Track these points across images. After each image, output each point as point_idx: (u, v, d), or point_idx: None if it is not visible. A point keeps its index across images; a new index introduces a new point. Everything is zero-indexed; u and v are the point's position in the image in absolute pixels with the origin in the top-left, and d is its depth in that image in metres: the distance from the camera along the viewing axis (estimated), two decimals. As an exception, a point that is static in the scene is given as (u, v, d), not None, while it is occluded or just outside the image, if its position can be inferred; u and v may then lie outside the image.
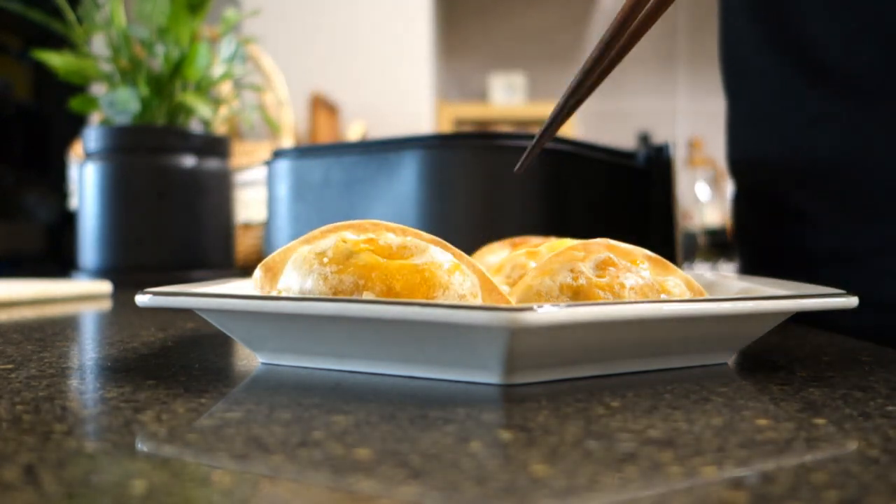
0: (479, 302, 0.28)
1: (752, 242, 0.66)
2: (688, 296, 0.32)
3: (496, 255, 0.41)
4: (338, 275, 0.28)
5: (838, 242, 0.55)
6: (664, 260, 0.32)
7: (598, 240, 0.32)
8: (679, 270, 0.33)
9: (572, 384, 0.27)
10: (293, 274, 0.30)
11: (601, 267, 0.31)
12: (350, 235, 0.30)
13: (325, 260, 0.29)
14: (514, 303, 0.30)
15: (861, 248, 0.54)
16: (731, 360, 0.32)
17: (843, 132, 0.54)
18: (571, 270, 0.30)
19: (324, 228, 0.31)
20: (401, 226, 0.31)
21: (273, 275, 0.31)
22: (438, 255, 0.29)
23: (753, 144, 0.62)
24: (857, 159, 0.53)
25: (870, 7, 0.52)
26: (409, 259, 0.28)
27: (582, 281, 0.30)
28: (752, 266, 0.66)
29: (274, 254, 0.31)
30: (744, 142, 0.64)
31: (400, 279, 0.27)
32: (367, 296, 0.27)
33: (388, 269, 0.28)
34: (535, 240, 0.41)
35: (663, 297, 0.31)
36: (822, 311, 0.29)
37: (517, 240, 0.42)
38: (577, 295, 0.30)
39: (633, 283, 0.30)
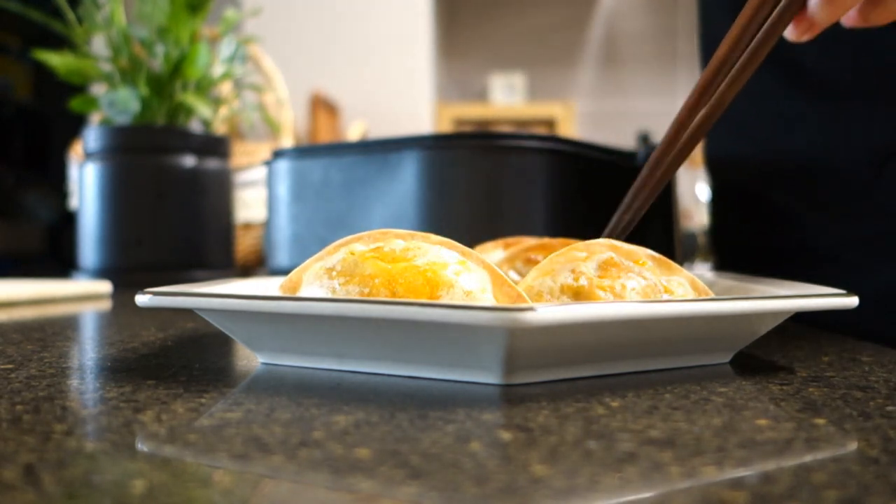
0: (489, 297, 0.28)
1: (729, 240, 0.67)
2: (692, 296, 0.31)
3: (489, 254, 0.41)
4: (345, 286, 0.28)
5: (813, 239, 0.56)
6: (668, 260, 0.32)
7: (601, 240, 0.32)
8: (684, 270, 0.32)
9: (572, 384, 0.27)
10: (306, 291, 0.30)
11: (603, 267, 0.30)
12: (359, 247, 0.30)
13: (334, 273, 0.29)
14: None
15: (834, 244, 0.55)
16: (730, 360, 0.32)
17: (818, 132, 0.55)
18: (573, 271, 0.30)
19: (336, 243, 0.31)
20: (410, 231, 0.31)
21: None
22: (443, 254, 0.29)
23: (731, 144, 0.63)
24: (831, 158, 0.54)
25: None
26: (412, 261, 0.28)
27: (583, 281, 0.30)
28: (729, 263, 0.66)
29: (290, 274, 0.32)
30: (722, 141, 0.65)
31: (402, 283, 0.28)
32: None
33: (391, 273, 0.28)
34: (528, 240, 0.41)
35: (665, 297, 0.31)
36: (821, 311, 0.29)
37: (510, 240, 0.42)
38: (577, 295, 0.30)
39: (634, 284, 0.30)
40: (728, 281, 0.39)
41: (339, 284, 0.29)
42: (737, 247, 0.65)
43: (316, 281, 0.30)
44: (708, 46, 0.66)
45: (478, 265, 0.29)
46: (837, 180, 0.54)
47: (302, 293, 0.30)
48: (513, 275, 0.38)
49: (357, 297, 0.27)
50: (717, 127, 0.65)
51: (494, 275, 0.29)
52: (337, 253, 0.30)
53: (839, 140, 0.54)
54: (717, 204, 0.68)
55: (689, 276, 0.32)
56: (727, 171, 0.65)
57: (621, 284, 0.30)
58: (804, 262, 0.57)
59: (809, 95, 0.55)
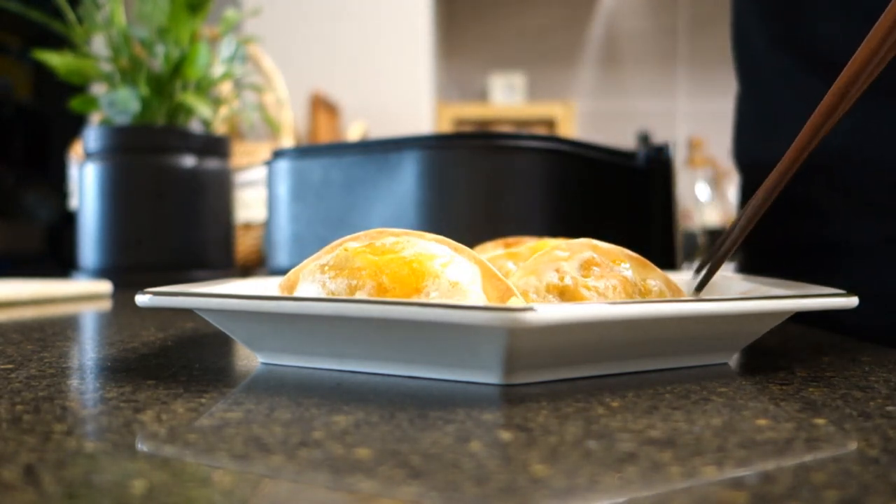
0: (477, 289, 0.28)
1: (758, 236, 0.65)
2: (668, 294, 0.32)
3: (489, 254, 0.41)
4: (334, 280, 0.29)
5: (845, 235, 0.55)
6: (644, 259, 0.33)
7: (582, 240, 0.32)
8: (658, 270, 0.33)
9: (572, 384, 0.27)
10: (301, 288, 0.30)
11: (585, 266, 0.31)
12: (353, 244, 0.30)
13: (326, 268, 0.29)
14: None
15: (867, 241, 0.54)
16: (731, 360, 0.32)
17: (851, 126, 0.54)
18: (557, 270, 0.31)
19: (333, 244, 0.31)
20: (405, 230, 0.31)
21: (289, 294, 0.31)
22: (432, 247, 0.29)
23: (762, 139, 0.62)
24: (865, 153, 0.53)
25: (877, 3, 0.52)
26: (399, 252, 0.29)
27: (567, 281, 0.31)
28: (757, 261, 0.65)
29: (288, 273, 0.32)
30: (754, 138, 0.63)
31: (388, 273, 0.28)
32: (359, 295, 0.28)
33: (377, 264, 0.28)
34: (529, 240, 0.41)
35: (665, 296, 0.31)
36: (822, 311, 0.29)
37: (511, 239, 0.42)
38: (563, 294, 0.30)
39: (616, 283, 0.31)
40: (729, 281, 0.39)
41: (329, 278, 0.29)
42: (766, 243, 0.64)
43: (309, 277, 0.30)
44: (740, 50, 0.64)
45: (468, 260, 0.29)
46: (872, 176, 0.54)
47: (298, 291, 0.31)
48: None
49: (354, 297, 0.27)
50: (749, 124, 0.64)
51: (485, 269, 0.29)
52: (333, 252, 0.31)
53: (876, 135, 0.53)
54: (747, 200, 0.67)
55: (664, 275, 0.34)
56: (758, 168, 0.63)
57: (604, 283, 0.31)
58: (835, 258, 0.56)
59: None
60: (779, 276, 0.38)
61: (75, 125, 1.43)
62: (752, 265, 0.66)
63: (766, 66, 0.61)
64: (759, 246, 0.65)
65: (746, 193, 0.66)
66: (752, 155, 0.64)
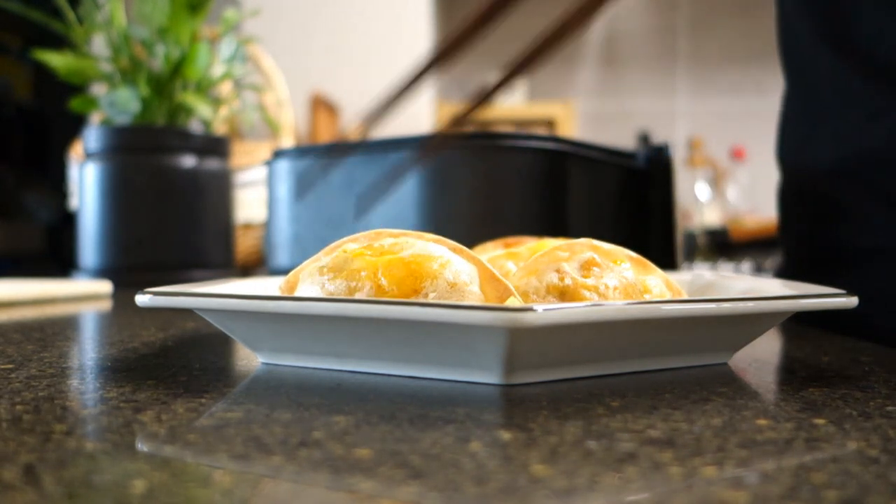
0: (475, 290, 0.28)
1: (799, 239, 0.64)
2: (668, 295, 0.32)
3: (489, 254, 0.41)
4: (333, 281, 0.29)
5: (883, 241, 0.54)
6: (644, 260, 0.33)
7: (582, 240, 0.32)
8: (658, 270, 0.33)
9: (572, 384, 0.27)
10: (301, 289, 0.30)
11: (586, 267, 0.31)
12: (352, 246, 0.30)
13: (325, 270, 0.29)
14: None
15: None
16: (730, 360, 0.32)
17: (889, 131, 0.52)
18: (557, 271, 0.31)
19: (333, 245, 0.32)
20: (403, 231, 0.31)
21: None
22: (430, 248, 0.29)
23: (805, 140, 0.60)
24: None
25: None
26: (398, 254, 0.29)
27: (568, 281, 0.31)
28: (797, 263, 0.64)
29: (288, 275, 0.32)
30: (797, 138, 0.62)
31: (386, 274, 0.28)
32: (359, 296, 0.28)
33: (376, 266, 0.28)
34: (529, 240, 0.41)
35: (645, 296, 0.31)
36: (823, 311, 0.29)
37: (511, 240, 0.42)
38: (563, 295, 0.30)
39: (616, 283, 0.31)
40: (729, 281, 0.39)
41: (328, 280, 0.29)
42: (807, 245, 0.63)
43: (308, 279, 0.30)
44: (787, 45, 0.63)
45: (466, 260, 0.29)
46: None
47: (298, 293, 0.31)
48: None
49: (353, 297, 0.27)
50: (792, 124, 0.63)
51: (483, 269, 0.29)
52: (332, 253, 0.31)
53: None
54: (787, 201, 0.65)
55: (664, 275, 0.33)
56: (800, 169, 0.62)
57: (604, 284, 0.31)
58: (876, 263, 0.55)
59: (889, 90, 0.53)
60: (817, 282, 0.37)
61: (75, 125, 1.43)
62: (790, 272, 0.64)
63: (810, 65, 0.59)
64: (802, 250, 0.63)
65: (786, 196, 0.65)
66: (795, 155, 0.62)
